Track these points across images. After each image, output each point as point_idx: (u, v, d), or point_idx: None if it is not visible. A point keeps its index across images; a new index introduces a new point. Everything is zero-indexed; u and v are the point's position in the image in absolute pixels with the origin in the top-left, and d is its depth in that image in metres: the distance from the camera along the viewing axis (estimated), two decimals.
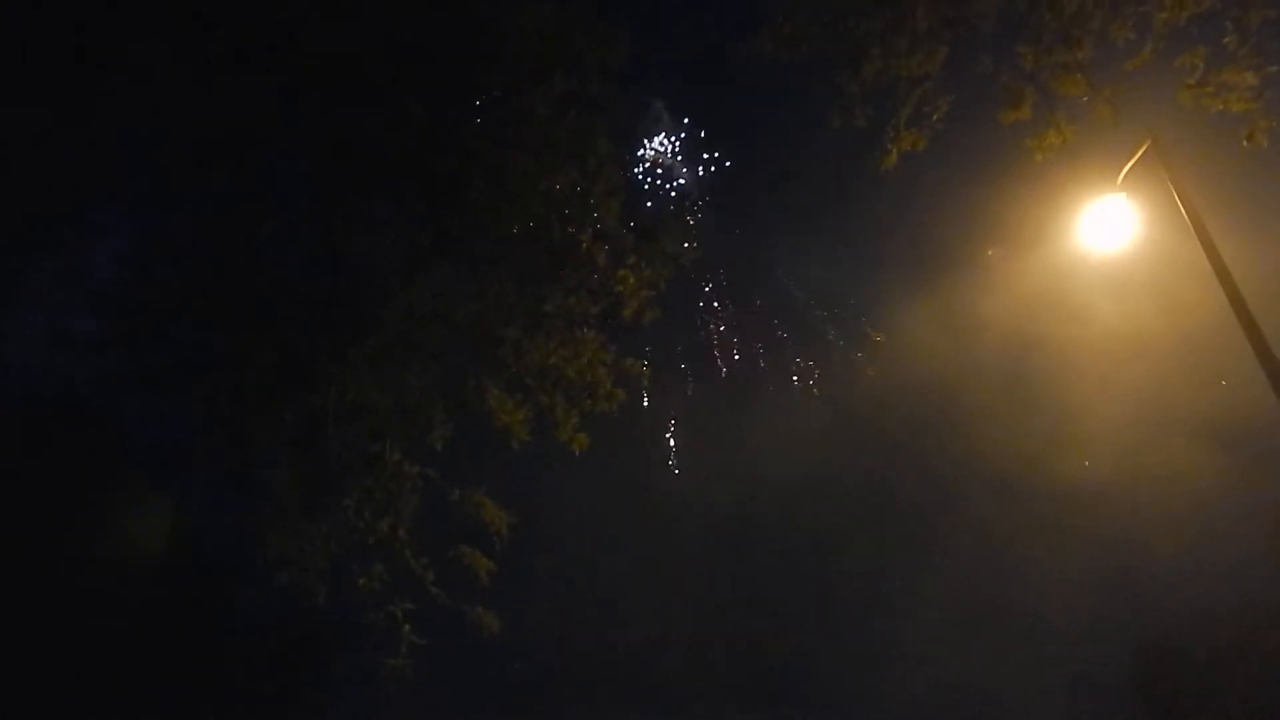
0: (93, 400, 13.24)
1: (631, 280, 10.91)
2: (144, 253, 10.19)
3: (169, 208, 10.37)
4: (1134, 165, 9.97)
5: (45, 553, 12.89)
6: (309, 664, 16.20)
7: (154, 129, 9.51)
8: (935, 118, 9.20)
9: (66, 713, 13.48)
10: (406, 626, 12.18)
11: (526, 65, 9.31)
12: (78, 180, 9.62)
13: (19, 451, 13.05)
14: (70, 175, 9.53)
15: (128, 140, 9.64)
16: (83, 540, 13.18)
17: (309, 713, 17.11)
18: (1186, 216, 9.61)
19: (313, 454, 10.68)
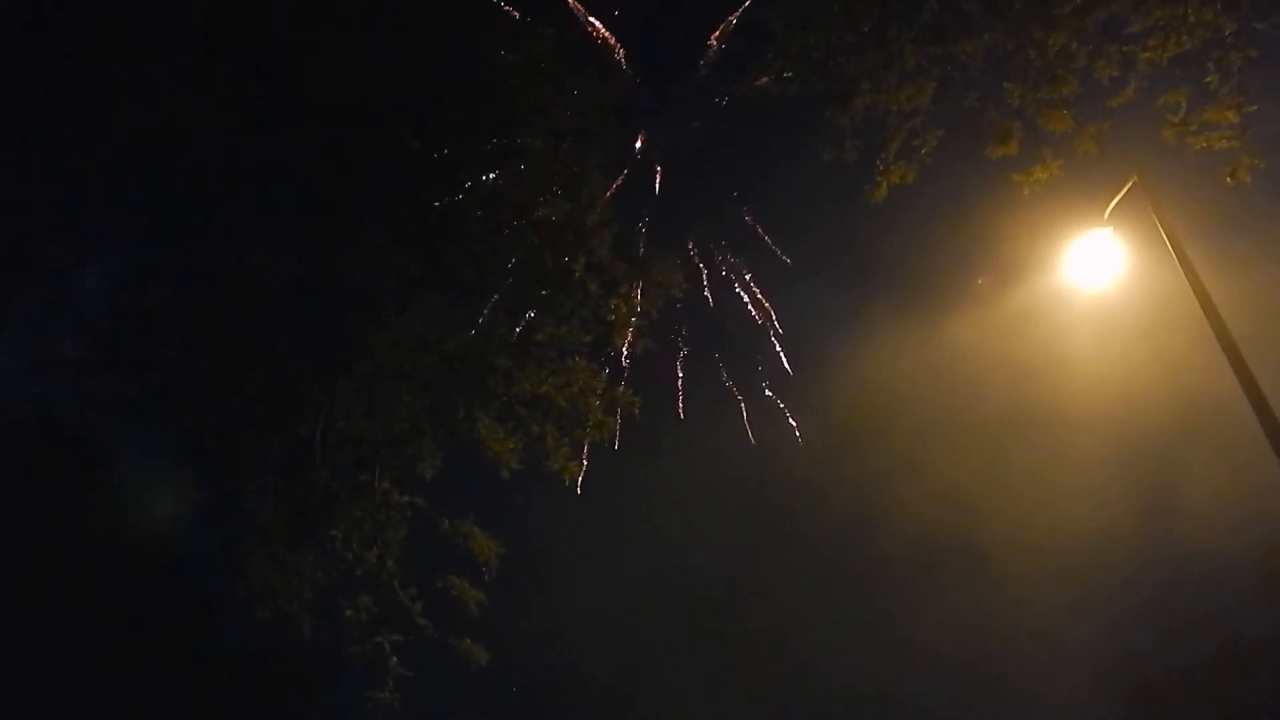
0: (77, 424, 13.15)
1: (623, 309, 10.97)
2: (133, 276, 10.16)
3: (160, 232, 10.37)
4: (1121, 201, 10.10)
5: (26, 576, 12.72)
6: (292, 696, 15.97)
7: (147, 153, 9.54)
8: (924, 151, 9.33)
9: None
10: (394, 659, 12.04)
11: (522, 99, 9.42)
12: (67, 202, 9.62)
13: (2, 474, 12.94)
14: (59, 197, 9.53)
15: (120, 163, 9.67)
16: (64, 564, 13.02)
17: None
18: (1172, 251, 9.73)
19: (300, 482, 10.60)
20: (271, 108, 9.20)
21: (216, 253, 10.10)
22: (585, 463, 12.01)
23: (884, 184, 9.41)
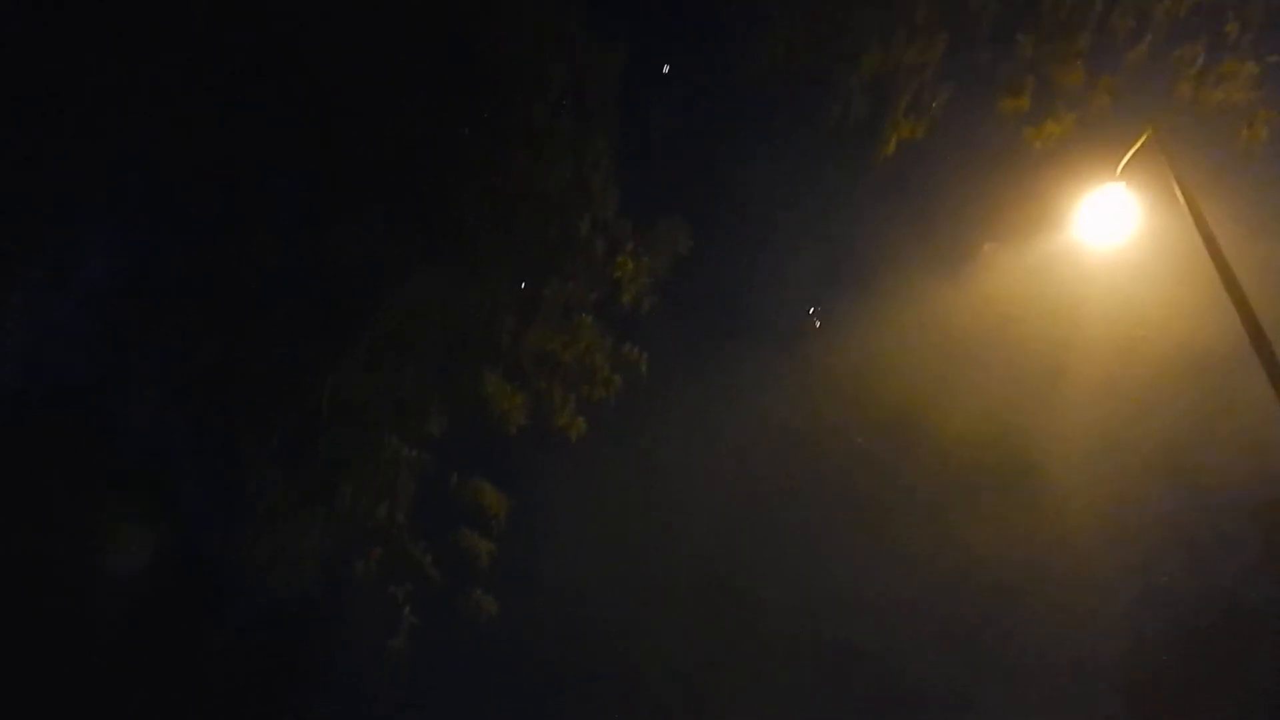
0: (82, 399, 13.26)
1: (630, 267, 10.94)
2: (136, 253, 10.20)
3: (161, 207, 10.37)
4: (1134, 158, 9.94)
5: (32, 553, 12.93)
6: (303, 654, 16.33)
7: (146, 137, 9.50)
8: (934, 105, 9.18)
9: (51, 715, 13.57)
10: (406, 607, 12.30)
11: (524, 72, 9.30)
12: (67, 183, 9.61)
13: (7, 451, 13.07)
14: (59, 178, 9.53)
15: (121, 143, 9.63)
16: (71, 540, 13.22)
17: (300, 711, 17.27)
18: (1186, 207, 9.59)
19: (307, 449, 10.72)
20: (269, 85, 9.12)
21: (217, 229, 10.10)
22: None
23: (893, 139, 9.28)
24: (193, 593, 14.36)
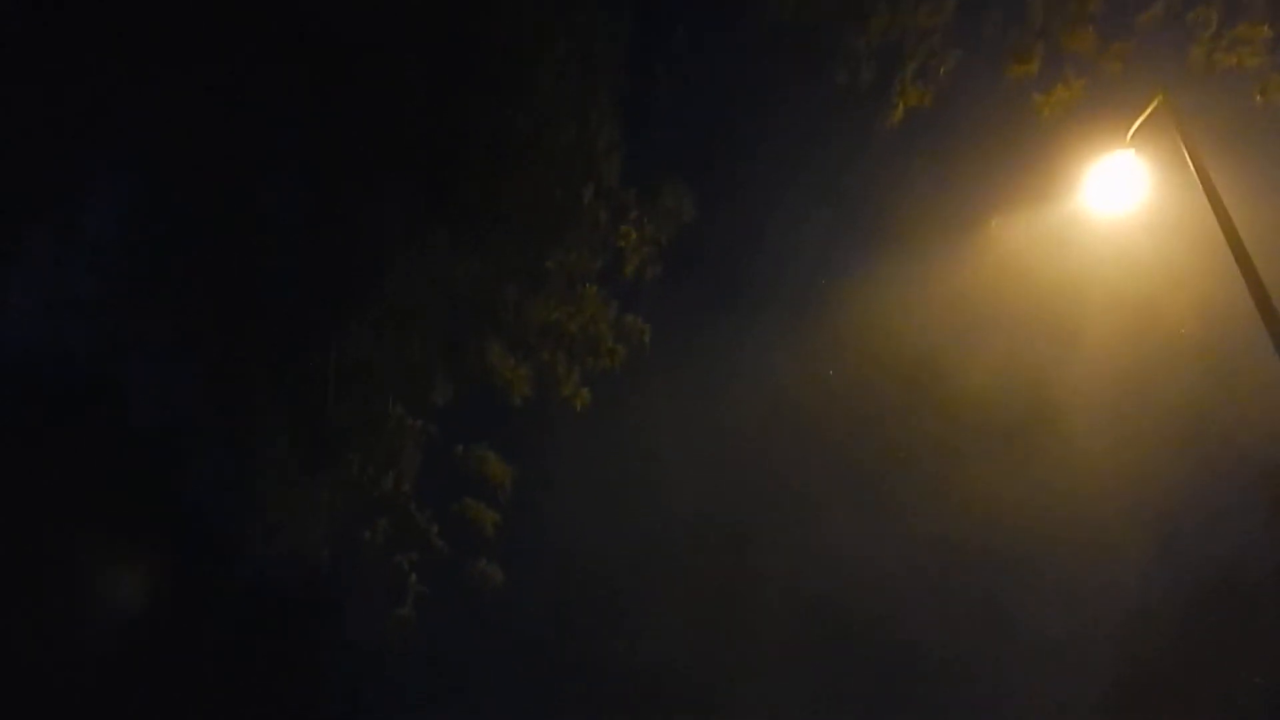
0: (90, 363, 13.25)
1: (633, 236, 10.89)
2: (143, 217, 10.15)
3: (168, 173, 10.30)
4: (1144, 124, 9.80)
5: (42, 518, 12.99)
6: (311, 623, 16.48)
7: (154, 92, 9.41)
8: (942, 71, 9.07)
9: (57, 685, 13.70)
10: (413, 576, 12.42)
11: (529, 34, 9.18)
12: (76, 140, 9.54)
13: (16, 414, 13.07)
14: (68, 134, 9.46)
15: (127, 101, 9.55)
16: (77, 504, 13.27)
17: (306, 680, 17.44)
18: (1195, 174, 9.48)
19: (313, 416, 10.76)
20: (274, 46, 9.01)
21: (223, 195, 10.04)
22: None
23: (900, 106, 9.18)
24: (199, 559, 14.44)
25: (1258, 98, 8.45)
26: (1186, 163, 9.41)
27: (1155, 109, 9.69)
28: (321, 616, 16.69)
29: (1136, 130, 9.95)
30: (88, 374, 13.19)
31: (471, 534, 12.55)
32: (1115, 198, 10.55)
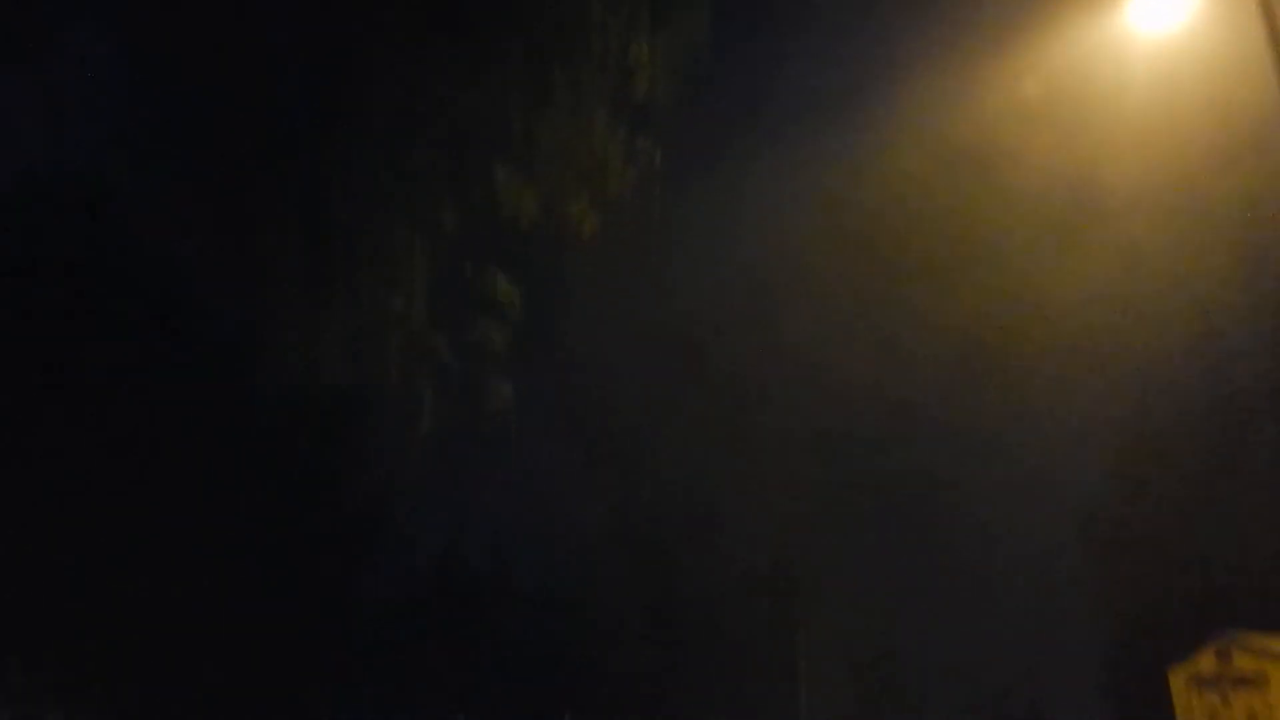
0: (90, 175, 12.97)
1: (645, 54, 10.30)
2: (140, 31, 9.60)
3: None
4: None
5: (46, 339, 13.14)
6: (327, 441, 17.15)
7: None
8: None
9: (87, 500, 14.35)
10: (427, 394, 12.86)
11: None
12: None
13: (17, 232, 12.96)
14: None
15: None
16: (85, 319, 13.37)
17: (331, 492, 18.35)
18: None
19: (321, 232, 10.68)
20: None
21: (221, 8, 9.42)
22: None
23: None
24: (214, 371, 14.75)
25: None
26: None
27: None
28: (342, 431, 17.43)
29: None
30: (85, 184, 12.94)
31: (484, 354, 12.87)
32: (1161, 15, 9.83)
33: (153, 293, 13.84)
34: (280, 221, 10.96)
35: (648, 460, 36.67)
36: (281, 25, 9.84)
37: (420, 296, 12.19)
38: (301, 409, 15.47)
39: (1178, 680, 17.15)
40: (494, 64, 10.03)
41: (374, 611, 25.19)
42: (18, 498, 14.37)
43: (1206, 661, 16.37)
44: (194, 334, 14.44)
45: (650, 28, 10.00)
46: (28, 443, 13.76)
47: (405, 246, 11.58)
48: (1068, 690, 37.97)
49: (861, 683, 37.23)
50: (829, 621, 37.21)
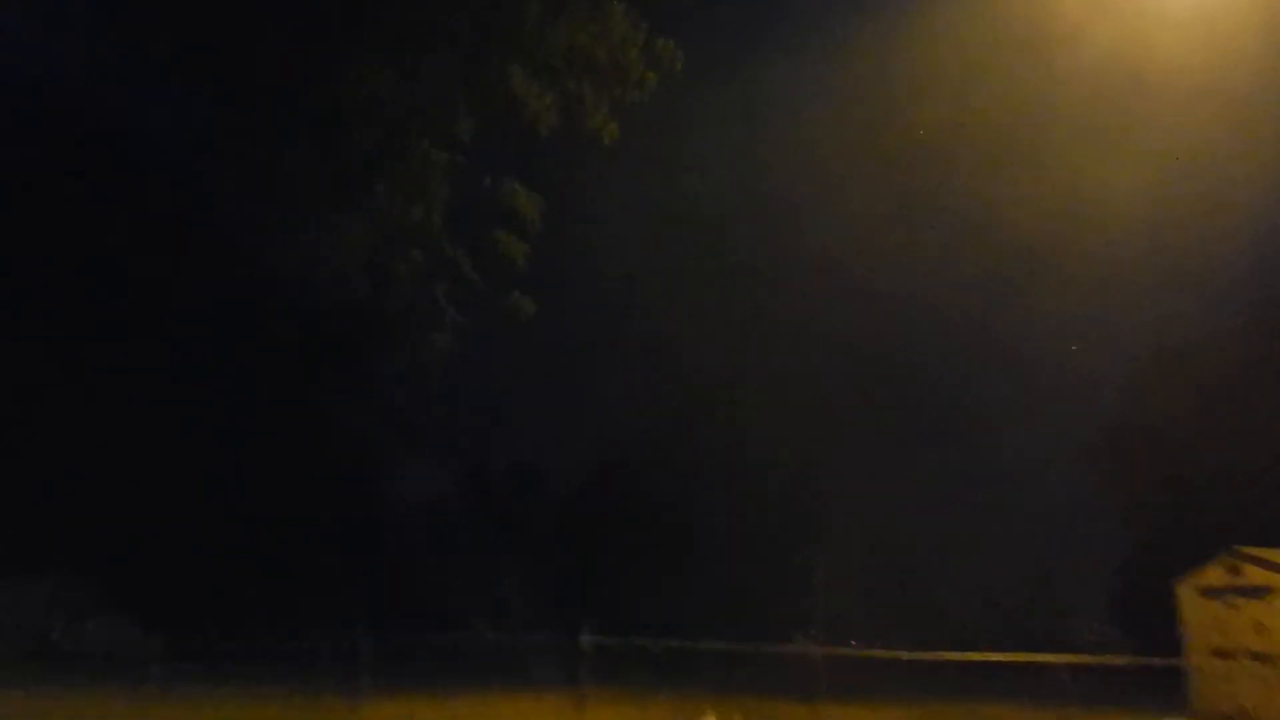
0: (95, 89, 12.70)
1: None
2: None
3: None
4: None
5: (49, 254, 13.13)
6: (352, 352, 17.28)
7: None
8: None
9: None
10: (448, 306, 12.89)
11: None
12: None
13: (17, 140, 12.79)
14: None
15: None
16: (108, 237, 13.37)
17: (353, 399, 18.64)
18: None
19: (335, 144, 10.56)
20: None
21: None
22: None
23: None
24: (238, 287, 14.81)
25: None
26: None
27: None
28: (364, 341, 17.60)
29: None
30: (90, 97, 12.65)
31: (503, 266, 12.82)
32: None
33: (172, 207, 13.82)
34: (296, 133, 10.83)
35: (670, 367, 36.83)
36: None
37: (438, 208, 12.10)
38: (324, 321, 15.59)
39: (1185, 590, 17.47)
40: None
41: (401, 519, 25.95)
42: (44, 412, 14.68)
43: (1215, 573, 16.64)
44: (219, 247, 14.46)
45: None
46: (57, 362, 14.01)
47: (422, 157, 11.44)
48: (1081, 599, 38.86)
49: (877, 592, 38.24)
50: (846, 532, 38.04)
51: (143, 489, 18.66)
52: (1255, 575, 15.48)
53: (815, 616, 34.46)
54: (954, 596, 39.27)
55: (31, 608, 18.92)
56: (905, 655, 14.29)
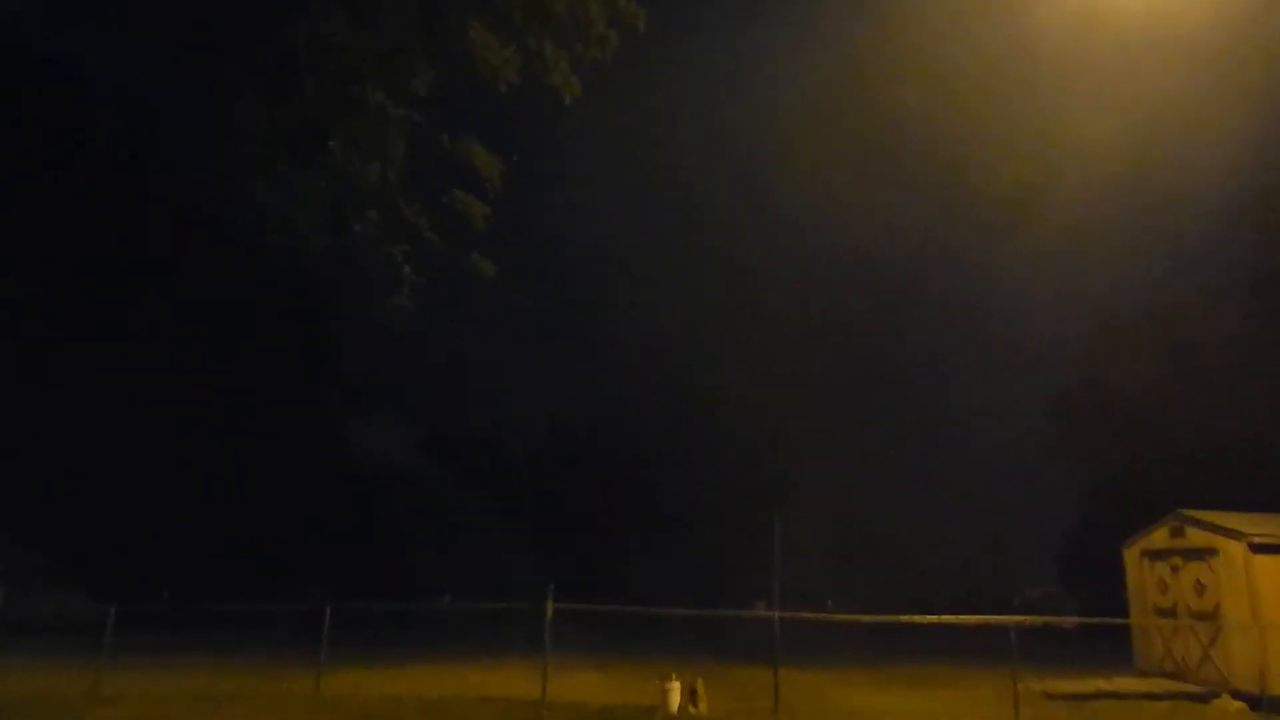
0: (44, 41, 12.19)
1: None
2: None
3: None
4: None
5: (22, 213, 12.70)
6: (310, 313, 16.97)
7: None
8: None
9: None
10: (406, 267, 12.63)
11: None
12: None
13: None
14: None
15: None
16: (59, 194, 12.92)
17: (320, 360, 18.32)
18: None
19: (289, 97, 10.20)
20: None
21: None
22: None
23: None
24: (193, 248, 14.47)
25: None
26: None
27: None
28: (322, 303, 17.26)
29: None
30: (38, 50, 12.15)
31: (462, 227, 12.57)
32: None
33: (125, 166, 13.35)
34: (247, 85, 10.44)
35: (633, 336, 36.87)
36: None
37: (395, 167, 11.80)
38: (280, 282, 15.27)
39: (1131, 554, 18.01)
40: None
41: (366, 476, 25.70)
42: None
43: (1160, 536, 17.16)
44: (172, 207, 14.04)
45: None
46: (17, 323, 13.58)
47: (378, 110, 11.12)
48: (1028, 560, 40.03)
49: (835, 554, 38.93)
50: (805, 497, 38.53)
51: (92, 456, 18.24)
52: (1197, 538, 15.99)
53: (773, 581, 35.04)
54: (908, 558, 40.16)
55: None
56: (865, 619, 14.65)
